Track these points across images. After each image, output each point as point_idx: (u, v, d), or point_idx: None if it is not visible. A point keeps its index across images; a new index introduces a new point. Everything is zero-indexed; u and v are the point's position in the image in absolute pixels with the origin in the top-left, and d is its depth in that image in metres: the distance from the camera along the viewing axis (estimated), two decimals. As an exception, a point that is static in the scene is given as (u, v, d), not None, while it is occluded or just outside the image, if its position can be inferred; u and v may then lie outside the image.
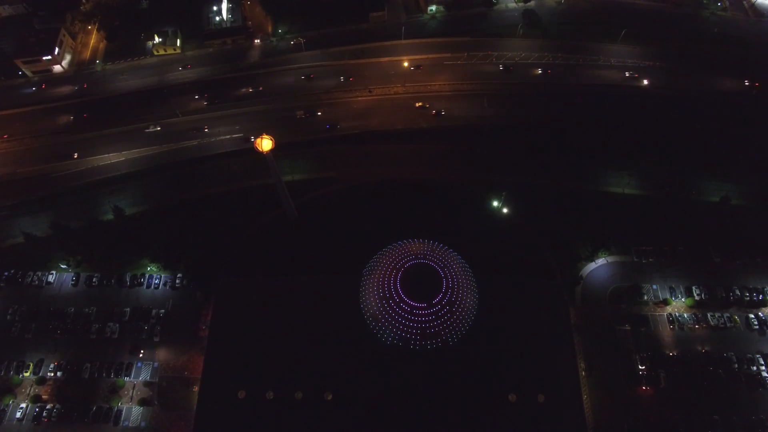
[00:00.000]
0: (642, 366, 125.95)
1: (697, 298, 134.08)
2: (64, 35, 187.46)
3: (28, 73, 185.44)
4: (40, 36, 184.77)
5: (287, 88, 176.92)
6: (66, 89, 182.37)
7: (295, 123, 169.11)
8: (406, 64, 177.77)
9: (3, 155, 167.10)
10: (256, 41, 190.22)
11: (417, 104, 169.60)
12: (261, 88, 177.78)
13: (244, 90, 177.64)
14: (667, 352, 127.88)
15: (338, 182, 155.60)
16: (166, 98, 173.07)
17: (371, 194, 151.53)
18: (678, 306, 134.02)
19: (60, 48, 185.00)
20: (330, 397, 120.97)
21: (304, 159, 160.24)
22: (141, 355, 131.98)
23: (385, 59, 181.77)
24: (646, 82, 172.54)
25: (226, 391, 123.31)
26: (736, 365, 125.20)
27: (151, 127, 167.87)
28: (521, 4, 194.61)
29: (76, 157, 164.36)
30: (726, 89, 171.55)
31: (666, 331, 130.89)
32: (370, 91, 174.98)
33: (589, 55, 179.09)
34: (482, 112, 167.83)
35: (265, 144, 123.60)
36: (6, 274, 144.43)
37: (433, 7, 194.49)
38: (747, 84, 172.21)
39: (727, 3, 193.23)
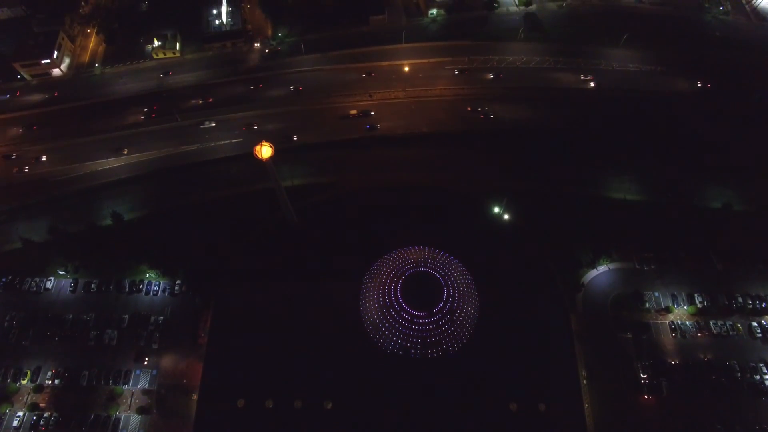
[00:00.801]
0: (644, 374, 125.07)
1: (699, 305, 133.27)
2: (63, 38, 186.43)
3: (26, 76, 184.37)
4: (39, 39, 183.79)
5: (285, 94, 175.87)
6: (36, 97, 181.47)
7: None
8: (407, 68, 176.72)
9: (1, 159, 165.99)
10: (255, 44, 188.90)
11: (468, 108, 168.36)
12: (261, 85, 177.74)
13: (241, 93, 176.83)
14: (669, 360, 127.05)
15: (338, 187, 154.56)
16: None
17: (371, 199, 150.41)
18: (680, 313, 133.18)
19: (59, 51, 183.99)
20: (330, 406, 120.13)
21: (304, 163, 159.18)
22: (146, 363, 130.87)
23: (386, 63, 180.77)
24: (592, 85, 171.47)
25: (225, 400, 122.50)
26: (739, 374, 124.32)
27: (206, 122, 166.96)
28: (522, 8, 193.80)
29: (125, 152, 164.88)
30: (728, 93, 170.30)
31: (668, 339, 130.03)
32: (370, 96, 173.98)
33: (590, 59, 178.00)
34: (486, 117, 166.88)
35: (265, 151, 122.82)
36: (3, 280, 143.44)
37: (434, 11, 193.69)
38: (699, 85, 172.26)
39: (729, 7, 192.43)
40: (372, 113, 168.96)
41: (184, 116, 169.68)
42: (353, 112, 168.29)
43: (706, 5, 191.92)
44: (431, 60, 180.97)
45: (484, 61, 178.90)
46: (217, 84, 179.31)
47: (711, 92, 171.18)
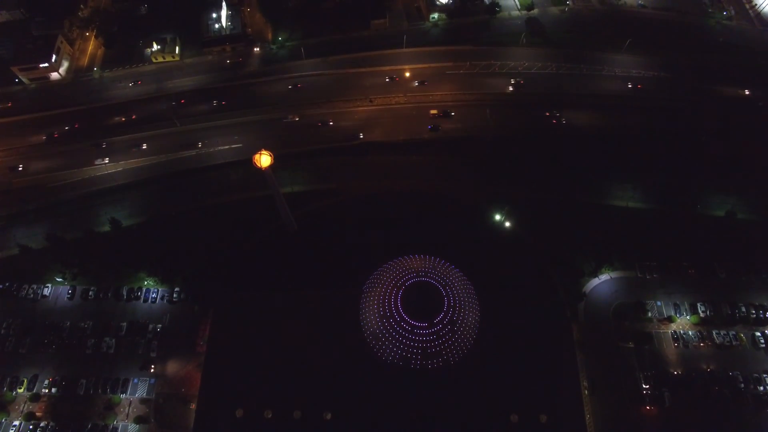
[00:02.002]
0: (646, 384, 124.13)
1: (702, 315, 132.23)
2: (61, 42, 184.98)
3: (25, 80, 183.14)
4: (38, 43, 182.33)
5: (283, 98, 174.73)
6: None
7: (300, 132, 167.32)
8: (408, 74, 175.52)
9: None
10: (255, 49, 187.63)
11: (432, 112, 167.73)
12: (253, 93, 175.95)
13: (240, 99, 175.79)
14: (672, 370, 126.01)
15: (338, 194, 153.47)
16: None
17: (371, 207, 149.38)
18: (683, 323, 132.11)
19: (57, 55, 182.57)
20: (329, 417, 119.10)
21: (304, 170, 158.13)
22: (152, 370, 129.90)
23: (387, 68, 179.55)
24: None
25: (223, 410, 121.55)
26: (743, 385, 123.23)
27: (289, 117, 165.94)
28: (524, 13, 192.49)
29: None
30: (732, 99, 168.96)
31: (670, 349, 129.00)
32: (371, 101, 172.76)
33: (592, 64, 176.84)
34: (485, 123, 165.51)
35: (264, 160, 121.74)
36: (0, 286, 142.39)
37: (435, 15, 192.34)
38: (630, 86, 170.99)
39: (733, 12, 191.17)
40: (452, 114, 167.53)
41: (183, 121, 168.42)
42: (434, 111, 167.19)
43: (710, 10, 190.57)
44: (432, 65, 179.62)
45: (486, 66, 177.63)
46: (217, 88, 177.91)
47: (715, 98, 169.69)
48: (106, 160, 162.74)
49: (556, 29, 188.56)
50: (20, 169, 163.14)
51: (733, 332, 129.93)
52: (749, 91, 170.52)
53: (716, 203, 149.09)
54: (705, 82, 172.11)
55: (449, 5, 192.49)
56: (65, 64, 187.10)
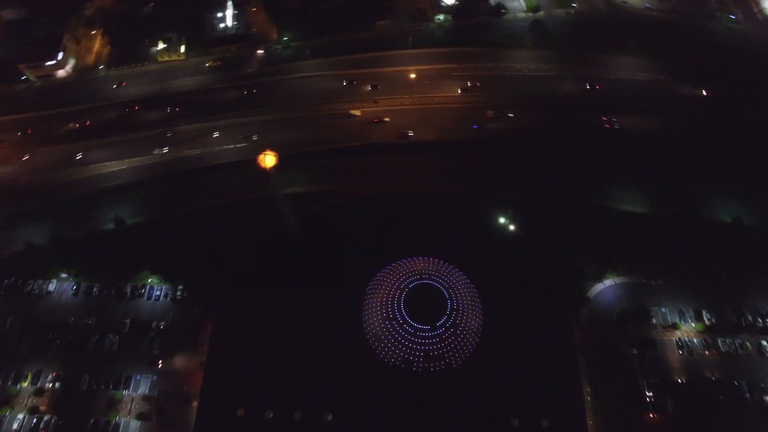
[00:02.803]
0: (649, 392, 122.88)
1: (707, 322, 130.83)
2: (68, 40, 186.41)
3: (31, 77, 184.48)
4: (44, 41, 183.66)
5: (290, 98, 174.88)
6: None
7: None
8: (413, 75, 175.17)
9: (3, 162, 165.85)
10: (258, 52, 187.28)
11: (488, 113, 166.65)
12: (254, 92, 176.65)
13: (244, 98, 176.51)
14: (676, 378, 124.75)
15: (340, 195, 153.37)
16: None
17: (374, 209, 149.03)
18: (687, 330, 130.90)
19: (64, 53, 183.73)
20: (330, 418, 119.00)
21: (306, 171, 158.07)
22: (160, 365, 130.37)
23: (391, 69, 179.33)
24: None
25: (224, 409, 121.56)
26: (748, 394, 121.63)
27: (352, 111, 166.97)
28: (529, 15, 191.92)
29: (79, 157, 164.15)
30: (737, 103, 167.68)
31: (674, 356, 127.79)
32: (375, 102, 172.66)
33: (597, 66, 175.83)
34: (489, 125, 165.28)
35: (269, 160, 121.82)
36: (6, 282, 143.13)
37: (440, 16, 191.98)
38: (588, 87, 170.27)
39: (740, 15, 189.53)
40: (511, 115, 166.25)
41: (187, 121, 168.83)
42: (490, 113, 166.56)
43: (717, 13, 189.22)
44: (437, 66, 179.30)
45: (491, 68, 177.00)
46: (220, 88, 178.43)
47: (721, 102, 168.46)
48: (165, 149, 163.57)
49: (561, 31, 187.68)
50: (78, 157, 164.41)
51: (739, 341, 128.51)
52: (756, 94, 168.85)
53: (723, 210, 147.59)
54: (711, 86, 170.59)
55: (454, 6, 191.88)
56: (71, 62, 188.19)
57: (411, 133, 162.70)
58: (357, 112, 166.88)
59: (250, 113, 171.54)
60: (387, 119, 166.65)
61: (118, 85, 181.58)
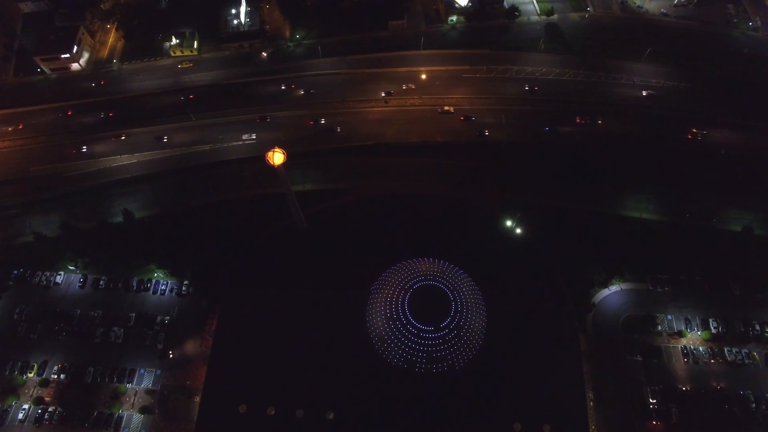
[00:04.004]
0: (653, 399, 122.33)
1: (714, 331, 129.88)
2: (83, 33, 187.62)
3: (46, 70, 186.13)
4: (60, 33, 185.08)
5: (302, 96, 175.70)
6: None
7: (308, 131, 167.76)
8: (424, 76, 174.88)
9: (17, 153, 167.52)
10: (262, 54, 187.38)
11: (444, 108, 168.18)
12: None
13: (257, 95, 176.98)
14: (680, 386, 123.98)
15: (349, 194, 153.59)
16: None
17: (382, 208, 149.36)
18: (693, 338, 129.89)
19: (78, 46, 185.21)
20: (331, 416, 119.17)
21: (316, 169, 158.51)
22: (170, 356, 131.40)
23: (403, 69, 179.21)
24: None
25: (227, 404, 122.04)
26: (754, 404, 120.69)
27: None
28: (544, 18, 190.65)
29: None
30: (754, 113, 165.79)
31: (680, 365, 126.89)
32: (386, 102, 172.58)
33: (611, 72, 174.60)
34: (500, 128, 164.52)
35: (277, 158, 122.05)
36: (15, 272, 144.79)
37: (454, 18, 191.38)
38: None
39: (759, 23, 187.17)
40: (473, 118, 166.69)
41: (198, 116, 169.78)
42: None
43: (735, 20, 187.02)
44: (449, 67, 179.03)
45: (503, 71, 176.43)
46: (233, 84, 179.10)
47: (735, 110, 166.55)
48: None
49: (575, 36, 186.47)
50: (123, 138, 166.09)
51: (746, 350, 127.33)
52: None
53: (733, 218, 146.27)
54: (727, 94, 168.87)
55: (468, 8, 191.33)
56: (86, 56, 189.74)
57: (487, 132, 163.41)
58: (450, 108, 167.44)
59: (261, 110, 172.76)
60: (473, 118, 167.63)
61: (97, 84, 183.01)
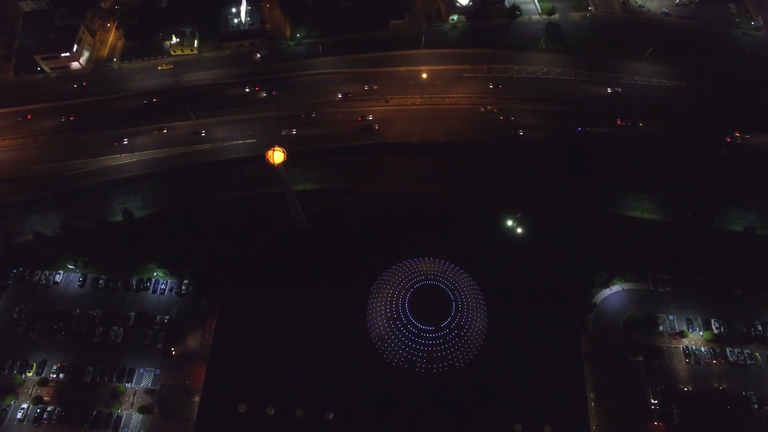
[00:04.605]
0: (654, 400, 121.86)
1: (715, 331, 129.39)
2: (83, 32, 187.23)
3: (46, 69, 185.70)
4: (60, 32, 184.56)
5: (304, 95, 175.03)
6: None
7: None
8: (425, 75, 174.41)
9: (17, 152, 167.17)
10: (256, 55, 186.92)
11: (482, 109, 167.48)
12: (274, 93, 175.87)
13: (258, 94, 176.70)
14: (682, 387, 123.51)
15: (350, 194, 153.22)
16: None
17: (383, 208, 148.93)
18: (695, 339, 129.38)
19: (79, 45, 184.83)
20: (331, 417, 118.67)
21: (317, 168, 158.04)
22: (173, 353, 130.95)
23: (404, 68, 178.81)
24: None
25: (226, 404, 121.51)
26: (756, 405, 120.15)
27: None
28: (545, 17, 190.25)
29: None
30: (757, 112, 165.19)
31: (681, 365, 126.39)
32: (386, 101, 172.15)
33: (612, 72, 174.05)
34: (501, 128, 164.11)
35: (277, 156, 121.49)
36: (14, 271, 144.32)
37: (455, 17, 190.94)
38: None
39: (761, 22, 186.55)
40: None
41: (198, 115, 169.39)
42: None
43: (737, 20, 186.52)
44: (450, 67, 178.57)
45: (504, 70, 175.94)
46: (233, 83, 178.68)
47: (737, 110, 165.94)
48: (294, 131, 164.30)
49: (576, 35, 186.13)
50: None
51: (748, 351, 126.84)
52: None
53: (735, 218, 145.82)
54: (729, 94, 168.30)
55: (469, 8, 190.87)
56: (86, 55, 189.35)
57: (522, 132, 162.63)
58: (492, 108, 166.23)
59: (259, 109, 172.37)
60: (513, 117, 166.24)
61: (79, 85, 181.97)
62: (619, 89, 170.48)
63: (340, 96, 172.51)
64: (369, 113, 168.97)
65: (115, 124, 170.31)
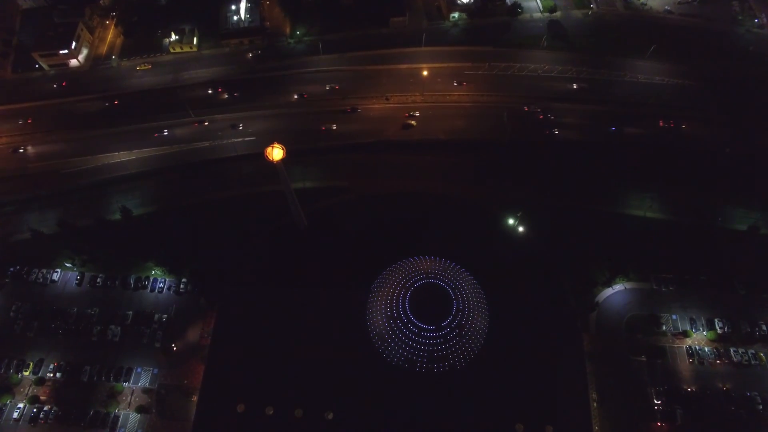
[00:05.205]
0: (657, 400, 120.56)
1: (719, 331, 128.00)
2: (82, 29, 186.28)
3: (44, 66, 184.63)
4: (59, 30, 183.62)
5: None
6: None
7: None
8: (425, 72, 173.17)
9: (15, 149, 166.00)
10: (248, 55, 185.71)
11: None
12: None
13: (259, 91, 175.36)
14: (685, 387, 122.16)
15: (350, 192, 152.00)
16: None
17: (383, 206, 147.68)
18: (698, 339, 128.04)
19: (77, 42, 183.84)
20: (330, 417, 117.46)
21: (316, 166, 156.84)
22: (174, 349, 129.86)
23: (404, 66, 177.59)
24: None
25: (225, 404, 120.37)
26: (761, 406, 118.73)
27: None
28: (546, 15, 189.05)
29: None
30: (759, 111, 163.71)
31: (684, 365, 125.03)
32: (387, 99, 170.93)
33: (615, 70, 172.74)
34: (501, 126, 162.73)
35: (276, 153, 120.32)
36: (11, 270, 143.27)
37: (456, 15, 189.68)
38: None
39: (765, 20, 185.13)
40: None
41: (198, 113, 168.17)
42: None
43: (740, 18, 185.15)
44: (451, 64, 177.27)
45: (505, 68, 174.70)
46: (233, 81, 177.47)
47: (741, 108, 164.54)
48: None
49: (578, 33, 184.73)
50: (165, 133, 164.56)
51: (752, 351, 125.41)
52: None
53: (739, 217, 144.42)
54: (732, 92, 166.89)
55: (470, 5, 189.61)
56: (84, 52, 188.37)
57: (557, 132, 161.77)
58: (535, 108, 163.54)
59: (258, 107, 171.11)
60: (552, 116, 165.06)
61: (59, 85, 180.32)
62: (584, 85, 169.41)
63: (296, 97, 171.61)
64: (414, 110, 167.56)
65: (114, 121, 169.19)
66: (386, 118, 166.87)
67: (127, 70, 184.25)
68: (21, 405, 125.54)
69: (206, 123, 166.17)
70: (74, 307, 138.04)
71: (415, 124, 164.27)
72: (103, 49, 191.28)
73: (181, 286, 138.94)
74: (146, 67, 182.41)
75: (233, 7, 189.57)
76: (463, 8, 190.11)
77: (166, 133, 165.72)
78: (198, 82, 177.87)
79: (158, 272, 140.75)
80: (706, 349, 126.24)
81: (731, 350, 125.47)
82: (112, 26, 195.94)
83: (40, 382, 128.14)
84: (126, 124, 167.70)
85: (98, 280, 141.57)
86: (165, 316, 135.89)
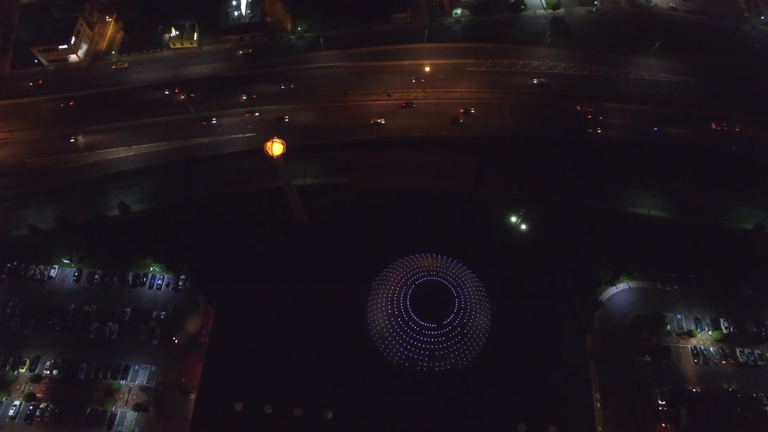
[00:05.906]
0: (662, 401, 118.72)
1: (725, 331, 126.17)
2: (81, 25, 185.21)
3: (44, 61, 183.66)
4: (58, 25, 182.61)
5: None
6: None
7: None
8: (427, 69, 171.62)
9: (12, 145, 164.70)
10: (239, 52, 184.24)
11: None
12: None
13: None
14: (690, 387, 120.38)
15: (351, 189, 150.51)
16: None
17: (384, 203, 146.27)
18: (704, 339, 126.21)
19: (77, 37, 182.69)
20: (330, 416, 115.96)
21: (317, 163, 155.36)
22: (175, 342, 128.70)
23: (406, 62, 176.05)
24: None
25: (223, 402, 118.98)
26: (767, 407, 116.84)
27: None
28: (550, 12, 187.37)
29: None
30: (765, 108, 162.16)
31: (689, 365, 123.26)
32: (389, 95, 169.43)
33: (619, 67, 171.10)
34: (504, 123, 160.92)
35: (276, 148, 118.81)
36: (8, 266, 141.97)
37: (458, 11, 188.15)
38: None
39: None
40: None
41: (198, 108, 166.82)
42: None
43: (746, 15, 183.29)
44: (453, 61, 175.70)
45: (508, 65, 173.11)
46: (234, 77, 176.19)
47: (746, 106, 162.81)
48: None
49: (582, 30, 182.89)
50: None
51: (759, 351, 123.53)
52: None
53: (744, 216, 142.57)
54: (738, 90, 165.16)
55: (473, 1, 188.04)
56: (84, 47, 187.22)
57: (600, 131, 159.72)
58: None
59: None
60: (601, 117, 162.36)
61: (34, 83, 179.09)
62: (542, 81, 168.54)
63: (244, 97, 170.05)
64: (469, 106, 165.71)
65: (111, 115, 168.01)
66: (438, 114, 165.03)
67: (127, 65, 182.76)
68: (17, 402, 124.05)
69: (257, 114, 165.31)
70: (71, 304, 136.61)
71: (462, 122, 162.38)
72: (103, 44, 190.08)
73: (180, 283, 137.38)
74: (123, 65, 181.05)
75: (234, 3, 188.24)
76: (465, 5, 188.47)
77: (214, 122, 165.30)
78: (199, 77, 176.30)
79: (156, 269, 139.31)
80: (711, 349, 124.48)
81: (737, 350, 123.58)
82: (112, 22, 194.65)
83: (37, 379, 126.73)
84: (133, 119, 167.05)
85: (96, 276, 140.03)
86: (163, 313, 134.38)
